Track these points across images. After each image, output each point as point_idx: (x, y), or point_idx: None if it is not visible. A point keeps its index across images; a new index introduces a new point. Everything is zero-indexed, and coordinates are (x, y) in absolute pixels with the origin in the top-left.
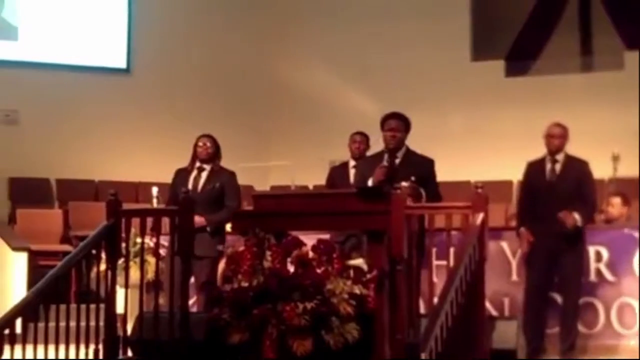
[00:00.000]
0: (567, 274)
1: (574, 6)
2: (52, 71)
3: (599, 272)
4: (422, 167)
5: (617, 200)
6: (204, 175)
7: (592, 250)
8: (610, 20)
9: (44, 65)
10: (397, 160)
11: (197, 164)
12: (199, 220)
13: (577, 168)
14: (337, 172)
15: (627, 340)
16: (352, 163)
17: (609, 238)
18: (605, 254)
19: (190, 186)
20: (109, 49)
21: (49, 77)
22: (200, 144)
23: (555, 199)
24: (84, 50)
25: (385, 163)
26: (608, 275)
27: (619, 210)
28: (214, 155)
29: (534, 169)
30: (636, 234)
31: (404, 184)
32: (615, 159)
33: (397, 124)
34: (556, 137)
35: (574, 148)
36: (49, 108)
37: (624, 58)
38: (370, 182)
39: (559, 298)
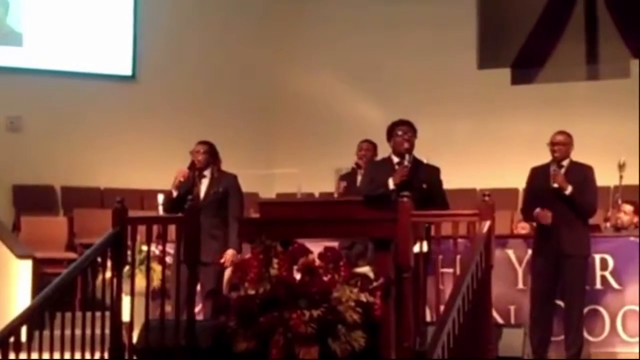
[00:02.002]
0: (570, 281)
1: (580, 14)
2: (56, 78)
3: (604, 280)
4: (430, 176)
5: (629, 208)
6: (205, 181)
7: (597, 257)
8: (616, 29)
9: (49, 72)
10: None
11: (196, 172)
12: (231, 255)
13: (581, 172)
14: (346, 181)
15: (633, 348)
16: (360, 171)
17: (614, 246)
18: (610, 261)
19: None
20: (115, 55)
21: (54, 83)
22: (194, 150)
23: (559, 203)
24: (89, 57)
25: (407, 163)
26: (613, 283)
27: (630, 218)
28: (210, 160)
29: (538, 173)
30: None
31: None
32: (622, 167)
33: (409, 130)
34: (561, 144)
35: (580, 156)
36: (54, 115)
37: (630, 66)
38: (391, 183)
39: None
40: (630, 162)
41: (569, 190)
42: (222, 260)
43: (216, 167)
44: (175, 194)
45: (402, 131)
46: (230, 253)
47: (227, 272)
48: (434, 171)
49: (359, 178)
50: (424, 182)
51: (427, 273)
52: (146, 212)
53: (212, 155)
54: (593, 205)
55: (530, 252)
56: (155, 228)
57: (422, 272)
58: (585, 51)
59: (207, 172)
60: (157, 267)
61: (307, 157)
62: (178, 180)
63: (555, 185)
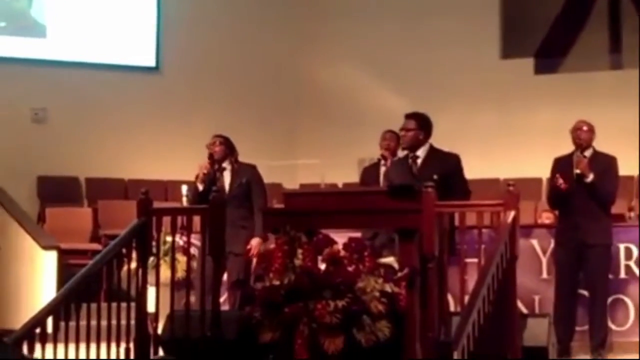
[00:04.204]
0: (593, 271)
1: (603, 4)
2: (80, 69)
3: (629, 269)
4: (446, 164)
5: None
6: (227, 173)
7: (622, 247)
8: (639, 18)
9: (73, 64)
10: (419, 160)
11: (216, 165)
12: (257, 243)
13: (603, 162)
14: (369, 173)
15: None
16: (382, 162)
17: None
18: (635, 251)
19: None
20: (138, 47)
21: (78, 75)
22: (210, 143)
23: (581, 193)
24: (113, 49)
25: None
26: (638, 273)
27: None
28: (226, 152)
29: (562, 163)
30: None
31: None
32: None
33: (407, 123)
34: (583, 131)
35: (604, 145)
36: (78, 106)
37: None
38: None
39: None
40: None
41: (590, 177)
42: (248, 247)
43: (234, 158)
44: (201, 187)
45: (401, 127)
46: (256, 241)
47: (254, 263)
48: (452, 158)
49: (383, 169)
50: (437, 173)
51: (450, 263)
52: (170, 203)
53: (228, 147)
54: (612, 194)
55: (553, 242)
56: (179, 219)
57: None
58: (608, 41)
59: (226, 164)
60: (181, 258)
61: (330, 147)
62: (202, 173)
63: (578, 171)
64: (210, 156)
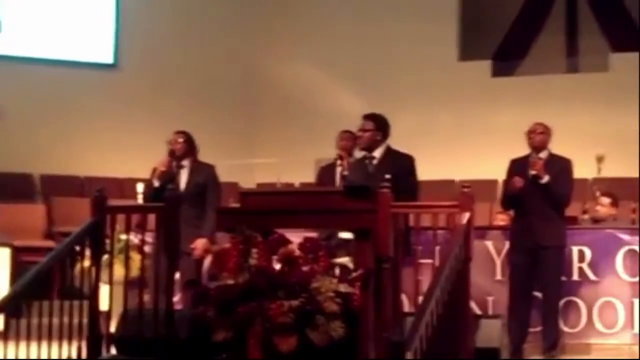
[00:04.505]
0: (547, 272)
1: (560, 7)
2: (37, 65)
3: (581, 272)
4: (400, 164)
5: (606, 201)
6: (185, 171)
7: (575, 249)
8: (596, 22)
9: (29, 60)
10: (375, 161)
11: (175, 162)
12: (203, 244)
13: (559, 164)
14: (325, 172)
15: (609, 339)
16: (338, 162)
17: (592, 238)
18: (588, 253)
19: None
20: (96, 43)
21: (34, 71)
22: (172, 140)
23: (536, 195)
24: (71, 45)
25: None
26: (591, 275)
27: (607, 211)
28: (187, 150)
29: (518, 165)
30: (619, 235)
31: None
32: (600, 159)
33: (365, 124)
34: (538, 133)
35: (559, 148)
36: (33, 103)
37: (609, 60)
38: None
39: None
40: (608, 154)
41: (545, 178)
42: (192, 246)
43: (193, 157)
44: (157, 184)
45: (359, 127)
46: (201, 242)
47: (207, 262)
48: (406, 159)
49: (339, 169)
50: (391, 173)
51: (405, 264)
52: (126, 200)
53: (189, 144)
54: (567, 197)
55: (508, 243)
56: (134, 217)
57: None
58: (565, 44)
59: (185, 162)
60: (135, 256)
61: (287, 147)
62: (160, 170)
63: (533, 172)
64: (171, 153)
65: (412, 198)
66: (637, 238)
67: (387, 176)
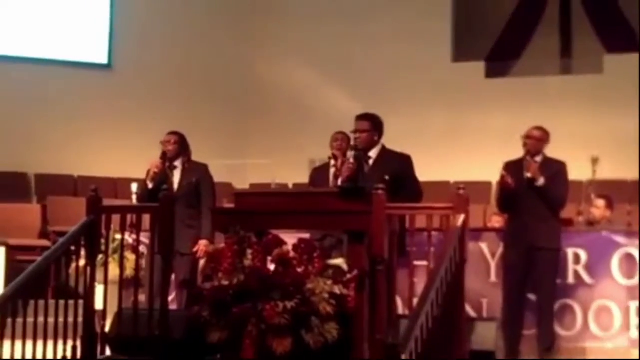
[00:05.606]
0: (542, 275)
1: (555, 9)
2: (32, 65)
3: (577, 275)
4: (398, 164)
5: (601, 203)
6: (177, 172)
7: (570, 252)
8: (590, 24)
9: (24, 59)
10: (371, 161)
11: (167, 163)
12: (205, 245)
13: (553, 167)
14: (319, 173)
15: (604, 343)
16: (332, 163)
17: (587, 240)
18: (583, 256)
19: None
20: (91, 44)
21: (29, 71)
22: (164, 140)
23: (531, 196)
24: (65, 45)
25: (351, 160)
26: (586, 278)
27: (602, 213)
28: (180, 151)
29: (512, 167)
30: (615, 237)
31: None
32: (595, 161)
33: (360, 125)
34: (535, 139)
35: (553, 150)
36: (29, 102)
37: (603, 62)
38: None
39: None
40: (602, 156)
41: (541, 181)
42: (194, 250)
43: (187, 157)
44: (150, 185)
45: (354, 128)
46: (203, 243)
47: (202, 262)
48: (404, 159)
49: (333, 170)
50: (388, 173)
51: (400, 265)
52: (120, 200)
53: (182, 145)
54: (563, 199)
55: (502, 245)
56: (129, 217)
57: (394, 265)
58: (559, 45)
59: (177, 163)
60: (130, 256)
61: (281, 147)
62: (152, 171)
63: (529, 174)
64: (163, 154)
65: (418, 199)
66: (633, 241)
67: (386, 177)
